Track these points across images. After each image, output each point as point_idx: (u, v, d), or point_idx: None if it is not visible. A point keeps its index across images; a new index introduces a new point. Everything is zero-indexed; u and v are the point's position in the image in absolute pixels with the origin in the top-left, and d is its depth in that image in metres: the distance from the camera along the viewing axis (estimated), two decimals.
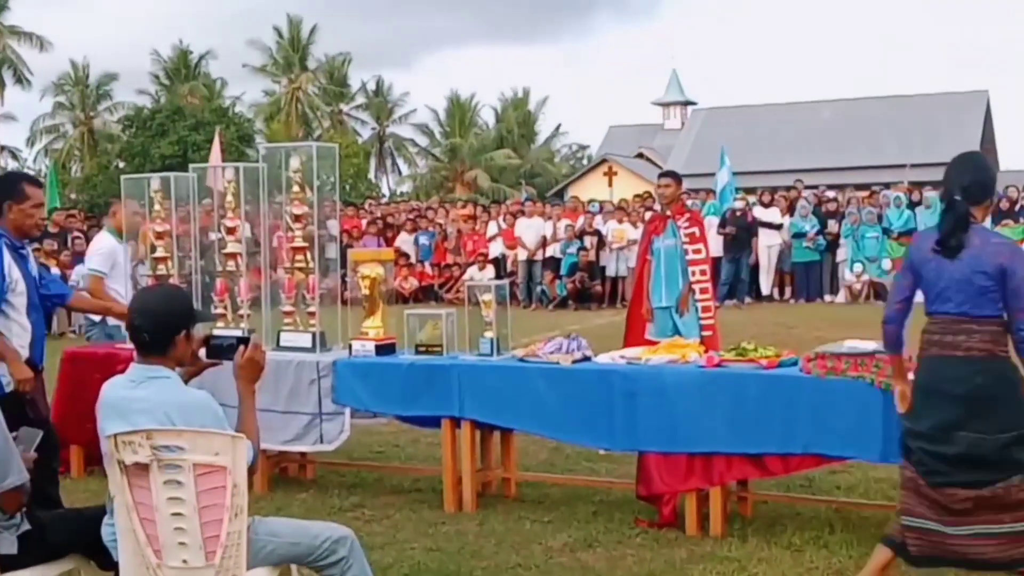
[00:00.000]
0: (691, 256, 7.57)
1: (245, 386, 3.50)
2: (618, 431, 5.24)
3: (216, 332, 4.60)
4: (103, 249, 7.28)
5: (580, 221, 19.18)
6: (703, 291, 7.60)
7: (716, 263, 15.71)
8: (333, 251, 7.02)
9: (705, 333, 7.49)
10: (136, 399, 3.29)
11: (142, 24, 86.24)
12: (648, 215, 15.58)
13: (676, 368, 5.22)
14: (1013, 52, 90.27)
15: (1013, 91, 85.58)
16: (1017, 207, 18.26)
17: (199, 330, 3.57)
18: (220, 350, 3.63)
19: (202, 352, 3.64)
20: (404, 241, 20.61)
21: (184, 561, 3.19)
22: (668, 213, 7.76)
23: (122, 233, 7.12)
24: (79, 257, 16.70)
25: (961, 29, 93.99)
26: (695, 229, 7.66)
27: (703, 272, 7.61)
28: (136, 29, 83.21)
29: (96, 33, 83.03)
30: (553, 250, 18.95)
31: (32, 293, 4.74)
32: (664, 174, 8.02)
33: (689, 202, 11.98)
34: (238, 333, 4.92)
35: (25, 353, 4.66)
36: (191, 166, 6.91)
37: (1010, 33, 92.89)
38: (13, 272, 4.64)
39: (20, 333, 4.67)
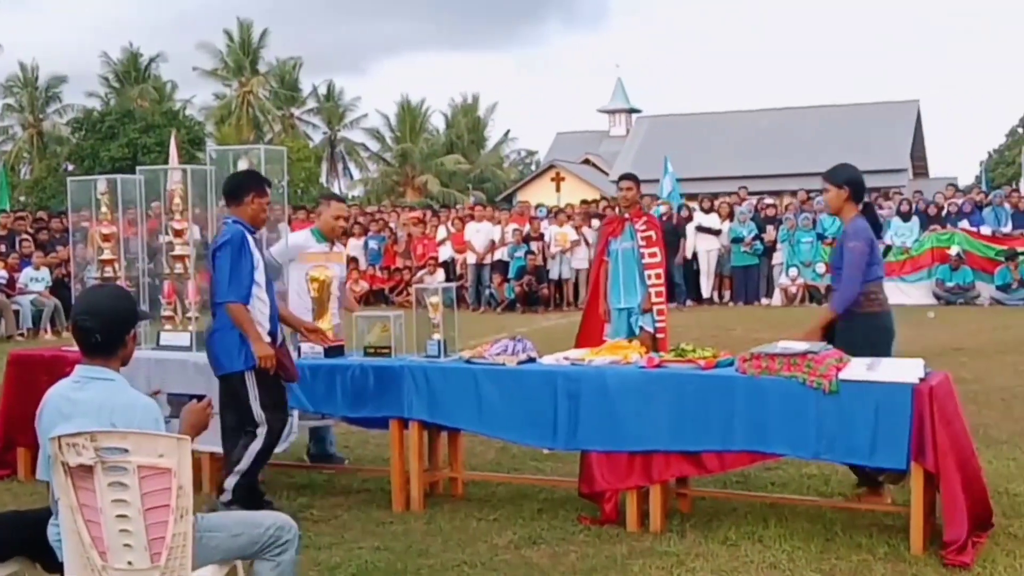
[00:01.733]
0: (647, 260, 7.69)
1: (184, 431, 3.51)
2: (561, 431, 5.33)
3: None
4: (288, 241, 6.77)
5: (527, 226, 19.34)
6: (657, 294, 7.74)
7: None
8: None
9: (659, 336, 7.63)
10: (79, 401, 3.31)
11: (92, 26, 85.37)
12: (596, 223, 15.74)
13: (617, 369, 5.32)
14: (942, 63, 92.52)
15: (942, 101, 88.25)
16: (944, 213, 18.74)
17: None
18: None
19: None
20: (354, 245, 20.58)
21: (129, 563, 3.19)
22: (626, 216, 7.86)
23: (323, 234, 6.76)
24: (27, 260, 16.48)
25: (893, 41, 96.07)
26: (652, 232, 7.76)
27: (658, 276, 7.74)
28: (86, 32, 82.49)
29: (45, 35, 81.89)
30: (501, 254, 19.07)
31: (265, 273, 5.46)
32: (625, 176, 8.04)
33: None
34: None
35: (266, 325, 5.35)
36: (138, 168, 6.88)
37: (939, 44, 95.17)
38: (255, 254, 5.35)
39: (261, 308, 5.35)
